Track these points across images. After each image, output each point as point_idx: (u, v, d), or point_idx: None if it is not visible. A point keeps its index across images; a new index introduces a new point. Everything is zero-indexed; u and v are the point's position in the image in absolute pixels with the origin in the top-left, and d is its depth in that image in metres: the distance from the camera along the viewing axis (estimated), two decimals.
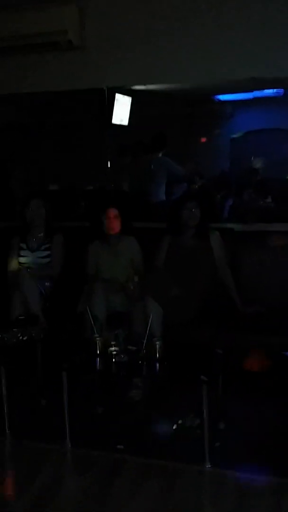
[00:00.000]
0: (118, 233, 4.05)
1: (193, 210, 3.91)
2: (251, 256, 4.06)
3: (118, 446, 2.88)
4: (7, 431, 3.05)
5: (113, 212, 4.02)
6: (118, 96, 5.21)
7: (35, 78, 4.58)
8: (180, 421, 3.10)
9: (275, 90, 5.96)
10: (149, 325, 3.02)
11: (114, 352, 2.99)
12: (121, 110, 5.38)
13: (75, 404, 2.95)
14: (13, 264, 4.13)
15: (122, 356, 2.96)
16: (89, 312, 3.29)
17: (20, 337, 3.23)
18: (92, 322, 3.20)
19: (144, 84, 4.70)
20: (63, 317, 3.82)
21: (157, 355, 2.94)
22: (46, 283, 4.03)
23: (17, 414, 3.11)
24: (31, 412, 3.17)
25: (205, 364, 2.91)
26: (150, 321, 3.04)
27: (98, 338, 3.05)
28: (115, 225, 4.03)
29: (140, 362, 2.94)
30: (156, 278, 3.71)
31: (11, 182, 5.33)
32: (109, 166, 4.87)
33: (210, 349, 3.10)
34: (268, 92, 6.10)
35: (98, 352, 3.03)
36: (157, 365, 2.93)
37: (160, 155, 5.44)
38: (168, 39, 4.29)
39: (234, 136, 6.83)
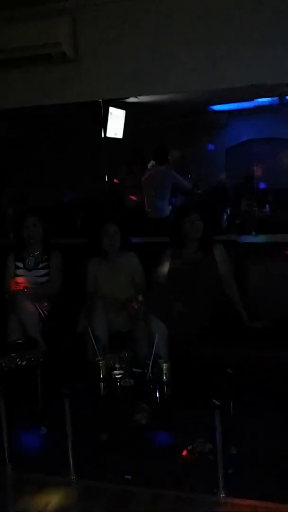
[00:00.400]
0: (117, 249, 3.91)
1: (196, 222, 3.77)
2: (257, 268, 3.91)
3: (126, 477, 2.71)
4: (7, 463, 2.87)
5: (112, 227, 3.88)
6: (111, 110, 5.13)
7: (27, 92, 4.47)
8: (190, 447, 2.94)
9: (270, 99, 5.92)
10: (154, 346, 2.85)
11: (119, 376, 2.82)
12: (115, 124, 5.30)
13: (78, 432, 2.79)
14: (9, 285, 3.96)
15: (128, 380, 2.79)
16: (90, 333, 3.13)
17: (19, 362, 3.06)
18: (94, 344, 3.04)
19: (141, 95, 4.58)
20: (63, 338, 3.65)
21: (164, 378, 2.77)
22: (44, 303, 3.87)
23: (17, 444, 2.93)
24: (32, 442, 2.99)
25: (215, 385, 2.75)
26: (155, 341, 2.87)
27: (101, 361, 2.88)
28: (115, 241, 3.88)
29: (146, 385, 2.76)
30: (159, 295, 3.54)
31: (3, 198, 5.19)
32: (106, 179, 4.74)
33: (219, 368, 2.96)
34: (263, 101, 6.05)
35: (101, 376, 2.86)
36: (165, 388, 2.75)
37: (163, 167, 5.35)
38: (165, 49, 4.20)
39: (230, 146, 6.77)
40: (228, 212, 5.05)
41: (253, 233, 4.25)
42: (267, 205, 5.36)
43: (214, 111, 6.45)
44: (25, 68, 4.36)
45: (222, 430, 2.56)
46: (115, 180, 5.12)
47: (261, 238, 4.21)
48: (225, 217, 5.21)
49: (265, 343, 3.39)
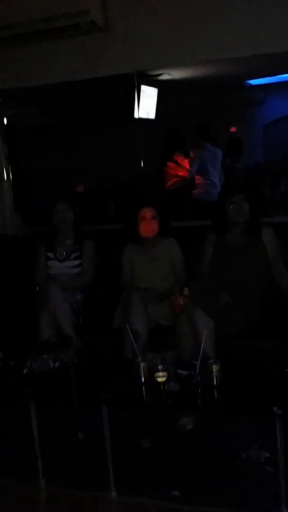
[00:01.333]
0: (155, 235, 3.57)
1: (242, 204, 3.38)
2: None
3: (173, 493, 2.40)
4: (40, 478, 2.59)
5: (149, 212, 3.53)
6: (143, 88, 4.79)
7: (54, 67, 4.12)
8: (244, 455, 2.60)
9: None
10: (202, 345, 2.51)
11: (163, 379, 2.49)
12: (148, 103, 4.97)
13: (118, 442, 2.48)
14: (40, 277, 3.67)
15: (172, 384, 2.46)
16: (128, 329, 2.80)
17: (51, 364, 2.76)
18: (133, 342, 2.71)
19: (176, 67, 4.19)
20: (99, 335, 3.34)
21: (215, 381, 2.43)
22: (77, 296, 3.57)
23: (52, 455, 2.64)
24: (68, 453, 2.69)
25: (273, 389, 2.41)
26: (203, 340, 2.53)
27: (142, 363, 2.55)
28: (152, 227, 3.54)
29: (194, 390, 2.43)
30: (203, 285, 3.18)
31: (34, 184, 4.89)
32: (141, 161, 4.39)
33: (276, 368, 2.60)
34: None
35: (143, 379, 2.54)
36: (215, 393, 2.41)
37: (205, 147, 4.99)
38: (201, 17, 3.80)
39: (268, 122, 6.39)
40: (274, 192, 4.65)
41: None
42: None
43: (251, 86, 6.11)
44: (52, 41, 4.01)
45: (284, 439, 2.21)
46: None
47: None
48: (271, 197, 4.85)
49: None
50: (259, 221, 3.45)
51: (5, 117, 4.47)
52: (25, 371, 2.76)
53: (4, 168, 4.46)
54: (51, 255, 3.75)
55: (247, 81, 6.01)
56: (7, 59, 4.16)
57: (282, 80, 5.92)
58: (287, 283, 3.35)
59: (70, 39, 4.01)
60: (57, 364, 2.77)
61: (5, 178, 4.48)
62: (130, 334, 2.73)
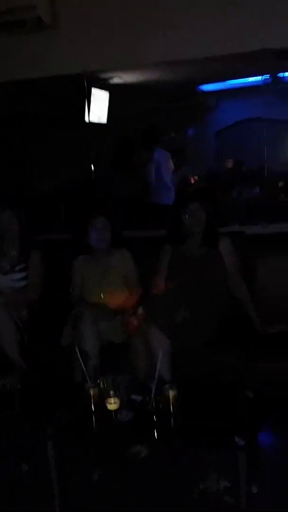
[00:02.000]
0: (107, 245, 3.35)
1: (198, 212, 3.21)
2: (269, 263, 3.36)
3: None
4: None
5: (101, 221, 3.31)
6: (94, 91, 4.60)
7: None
8: (202, 486, 2.41)
9: (262, 77, 5.53)
10: (158, 368, 2.30)
11: (115, 407, 2.26)
12: (99, 106, 4.79)
13: (65, 473, 2.24)
14: None
15: (125, 413, 2.24)
16: (77, 351, 2.56)
17: None
18: (82, 365, 2.47)
19: (127, 68, 3.99)
20: (46, 355, 3.08)
21: (171, 408, 2.22)
22: (22, 312, 3.30)
23: None
24: (10, 491, 2.43)
25: (234, 413, 2.23)
26: (159, 362, 2.32)
27: (92, 388, 2.32)
28: (105, 237, 3.32)
29: (148, 418, 2.21)
30: (158, 300, 2.97)
31: None
32: (92, 167, 4.17)
33: (237, 389, 2.43)
34: (255, 80, 5.66)
35: (92, 407, 2.30)
36: (172, 421, 2.20)
37: (155, 150, 4.84)
38: (152, 15, 3.62)
39: (220, 129, 6.34)
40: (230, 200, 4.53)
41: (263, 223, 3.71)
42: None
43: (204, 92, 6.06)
44: None
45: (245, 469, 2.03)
46: None
47: (273, 228, 3.67)
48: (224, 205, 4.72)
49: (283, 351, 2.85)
50: (216, 230, 3.28)
51: None
52: None
53: None
54: None
55: (199, 87, 5.93)
56: None
57: (234, 86, 5.88)
58: (244, 295, 3.20)
59: (15, 35, 3.75)
60: None
61: None
62: (79, 357, 2.49)
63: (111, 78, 4.63)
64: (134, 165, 4.91)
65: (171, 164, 5.10)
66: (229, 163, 5.80)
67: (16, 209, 3.49)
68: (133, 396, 2.35)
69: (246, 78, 5.48)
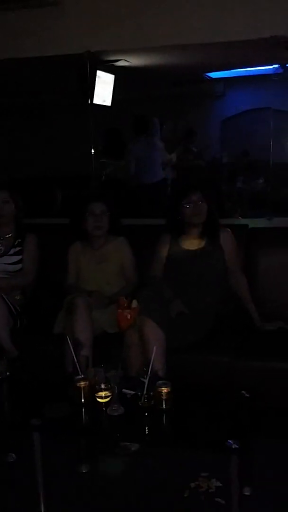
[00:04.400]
0: (105, 233, 3.26)
1: (199, 203, 3.11)
2: (271, 258, 3.28)
3: None
4: None
5: (99, 207, 3.22)
6: (99, 73, 4.48)
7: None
8: (193, 485, 2.36)
9: (272, 66, 5.41)
10: (151, 363, 2.23)
11: (105, 400, 2.20)
12: (104, 89, 4.67)
13: (50, 466, 2.18)
14: None
15: (116, 406, 2.17)
16: (69, 340, 2.48)
17: None
18: (74, 355, 2.39)
19: (134, 48, 3.86)
20: (37, 341, 3.01)
21: (163, 405, 2.15)
22: (16, 297, 3.22)
23: None
24: None
25: (228, 413, 2.17)
26: (152, 356, 2.25)
27: (82, 382, 2.24)
28: (102, 224, 3.23)
29: (139, 414, 2.14)
30: (155, 292, 2.89)
31: None
32: (92, 151, 4.07)
33: (231, 388, 2.37)
34: (265, 69, 5.52)
35: (82, 399, 2.23)
36: (164, 418, 2.13)
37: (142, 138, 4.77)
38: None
39: (226, 117, 6.24)
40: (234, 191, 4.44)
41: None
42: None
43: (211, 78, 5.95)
44: None
45: (238, 471, 1.97)
46: None
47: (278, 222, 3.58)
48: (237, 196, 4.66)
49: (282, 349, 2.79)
50: (217, 222, 3.19)
51: None
52: None
53: None
54: None
55: (207, 74, 5.81)
56: None
57: (242, 74, 5.75)
58: (244, 290, 3.13)
59: (18, 12, 3.62)
60: None
61: None
62: (71, 347, 2.42)
63: (116, 60, 4.51)
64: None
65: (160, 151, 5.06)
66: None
67: (12, 190, 3.40)
68: (125, 390, 2.28)
69: (256, 67, 5.36)
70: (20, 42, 3.70)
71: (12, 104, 4.46)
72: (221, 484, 2.31)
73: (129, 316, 2.41)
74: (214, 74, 5.89)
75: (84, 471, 2.46)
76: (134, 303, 2.45)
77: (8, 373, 2.48)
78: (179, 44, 3.64)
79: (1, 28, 3.69)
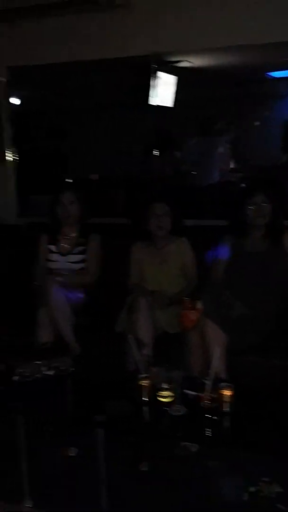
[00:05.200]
0: (167, 233, 3.28)
1: (263, 204, 3.08)
2: None
3: None
4: (26, 499, 2.33)
5: (161, 207, 3.25)
6: (161, 75, 4.52)
7: (68, 45, 3.81)
8: (253, 489, 2.34)
9: None
10: (213, 363, 2.23)
11: (167, 400, 2.22)
12: (165, 90, 4.70)
13: (112, 462, 2.23)
14: (40, 271, 3.39)
15: (178, 407, 2.18)
16: (131, 339, 2.51)
17: (45, 372, 2.49)
18: (135, 353, 2.42)
19: (200, 50, 3.87)
20: (100, 339, 3.06)
21: (226, 407, 2.15)
22: (78, 295, 3.29)
23: (41, 479, 2.38)
24: (58, 475, 2.44)
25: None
26: (214, 358, 2.25)
27: (144, 381, 2.27)
28: (164, 224, 3.26)
29: (201, 415, 2.15)
30: (216, 293, 2.89)
31: (38, 171, 4.60)
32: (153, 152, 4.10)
33: None
34: None
35: (145, 398, 2.26)
36: (226, 421, 2.13)
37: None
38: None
39: None
40: None
41: None
42: None
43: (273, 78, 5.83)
44: (65, 16, 3.70)
45: None
46: None
47: None
48: None
49: None
50: (282, 224, 3.15)
51: (12, 97, 4.17)
52: (15, 378, 2.49)
53: (7, 152, 4.18)
54: (53, 248, 3.47)
55: (268, 73, 5.72)
56: (17, 33, 3.85)
57: None
58: None
59: (87, 15, 3.70)
60: (51, 372, 2.49)
61: (9, 163, 4.20)
62: (133, 346, 2.45)
63: (180, 61, 4.53)
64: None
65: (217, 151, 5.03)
66: None
67: (77, 192, 3.48)
68: (187, 391, 2.29)
69: None
70: (88, 46, 3.77)
71: (76, 107, 4.56)
72: (282, 490, 2.28)
73: (193, 317, 2.41)
74: (276, 74, 5.80)
75: (143, 469, 2.49)
76: (199, 304, 2.45)
77: (72, 369, 2.54)
78: (241, 44, 3.63)
79: (70, 32, 3.77)
